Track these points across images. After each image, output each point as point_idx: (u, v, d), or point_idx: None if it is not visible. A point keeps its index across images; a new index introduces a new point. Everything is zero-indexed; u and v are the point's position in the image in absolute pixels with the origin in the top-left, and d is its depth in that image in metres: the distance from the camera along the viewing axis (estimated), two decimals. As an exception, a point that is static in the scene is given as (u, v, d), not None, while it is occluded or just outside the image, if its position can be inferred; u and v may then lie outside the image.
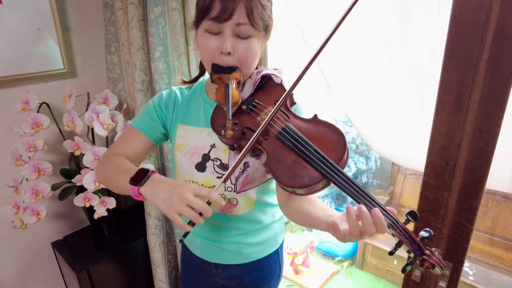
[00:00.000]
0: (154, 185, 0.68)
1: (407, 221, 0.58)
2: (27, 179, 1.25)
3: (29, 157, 1.24)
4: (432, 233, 0.58)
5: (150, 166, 1.33)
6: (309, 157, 0.63)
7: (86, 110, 1.32)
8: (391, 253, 0.58)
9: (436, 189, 0.81)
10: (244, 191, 0.85)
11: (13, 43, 1.27)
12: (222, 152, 0.84)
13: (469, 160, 0.74)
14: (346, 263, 2.55)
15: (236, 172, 0.83)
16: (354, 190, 0.59)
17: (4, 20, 1.23)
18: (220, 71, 0.73)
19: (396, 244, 0.58)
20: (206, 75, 0.96)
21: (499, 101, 0.68)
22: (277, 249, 1.01)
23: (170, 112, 0.89)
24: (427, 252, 0.57)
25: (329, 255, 2.64)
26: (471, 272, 2.00)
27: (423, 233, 0.58)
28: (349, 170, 2.60)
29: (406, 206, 2.54)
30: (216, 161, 0.84)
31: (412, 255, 0.58)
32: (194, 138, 0.86)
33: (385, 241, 2.39)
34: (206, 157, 0.84)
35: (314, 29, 1.05)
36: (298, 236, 2.75)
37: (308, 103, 0.79)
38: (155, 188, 0.67)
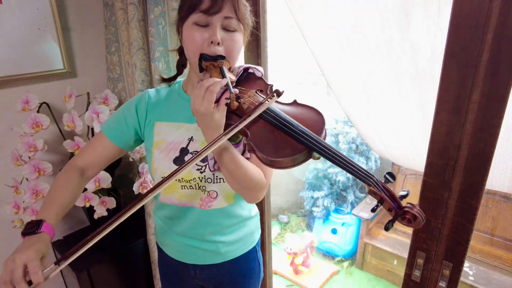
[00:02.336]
0: (26, 240, 0.73)
1: (387, 180, 0.64)
2: (27, 179, 1.25)
3: (29, 157, 1.24)
4: (409, 193, 0.63)
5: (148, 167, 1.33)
6: (291, 129, 0.67)
7: (86, 110, 1.32)
8: (373, 210, 0.63)
9: (436, 189, 0.81)
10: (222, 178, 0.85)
11: (13, 43, 1.27)
12: (200, 144, 0.85)
13: (469, 160, 0.74)
14: (346, 263, 2.55)
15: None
16: (336, 156, 0.64)
17: (4, 20, 1.23)
18: (211, 59, 0.77)
19: (378, 202, 0.63)
20: (183, 76, 0.95)
21: (499, 101, 0.68)
22: (254, 247, 1.01)
23: (142, 114, 0.90)
24: (408, 204, 0.62)
25: (329, 255, 2.64)
26: (471, 272, 2.00)
27: (401, 193, 0.63)
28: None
29: (406, 206, 2.53)
30: (195, 153, 0.84)
31: (393, 212, 0.62)
32: (172, 134, 0.87)
33: (385, 241, 2.39)
34: (184, 151, 0.86)
35: (314, 29, 1.05)
36: (298, 236, 2.75)
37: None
38: (22, 243, 0.73)
